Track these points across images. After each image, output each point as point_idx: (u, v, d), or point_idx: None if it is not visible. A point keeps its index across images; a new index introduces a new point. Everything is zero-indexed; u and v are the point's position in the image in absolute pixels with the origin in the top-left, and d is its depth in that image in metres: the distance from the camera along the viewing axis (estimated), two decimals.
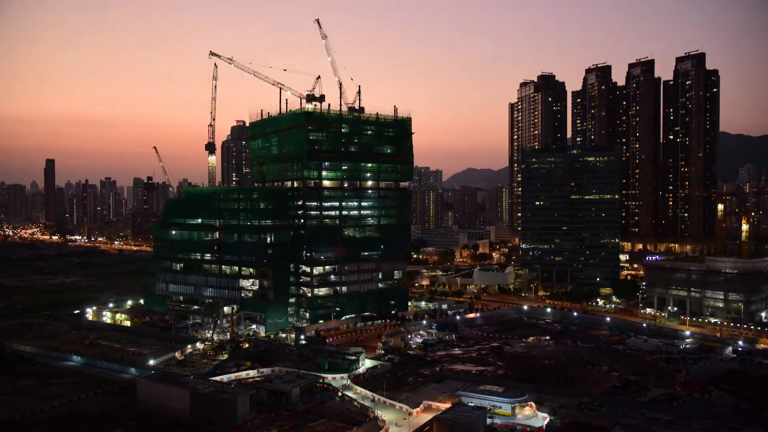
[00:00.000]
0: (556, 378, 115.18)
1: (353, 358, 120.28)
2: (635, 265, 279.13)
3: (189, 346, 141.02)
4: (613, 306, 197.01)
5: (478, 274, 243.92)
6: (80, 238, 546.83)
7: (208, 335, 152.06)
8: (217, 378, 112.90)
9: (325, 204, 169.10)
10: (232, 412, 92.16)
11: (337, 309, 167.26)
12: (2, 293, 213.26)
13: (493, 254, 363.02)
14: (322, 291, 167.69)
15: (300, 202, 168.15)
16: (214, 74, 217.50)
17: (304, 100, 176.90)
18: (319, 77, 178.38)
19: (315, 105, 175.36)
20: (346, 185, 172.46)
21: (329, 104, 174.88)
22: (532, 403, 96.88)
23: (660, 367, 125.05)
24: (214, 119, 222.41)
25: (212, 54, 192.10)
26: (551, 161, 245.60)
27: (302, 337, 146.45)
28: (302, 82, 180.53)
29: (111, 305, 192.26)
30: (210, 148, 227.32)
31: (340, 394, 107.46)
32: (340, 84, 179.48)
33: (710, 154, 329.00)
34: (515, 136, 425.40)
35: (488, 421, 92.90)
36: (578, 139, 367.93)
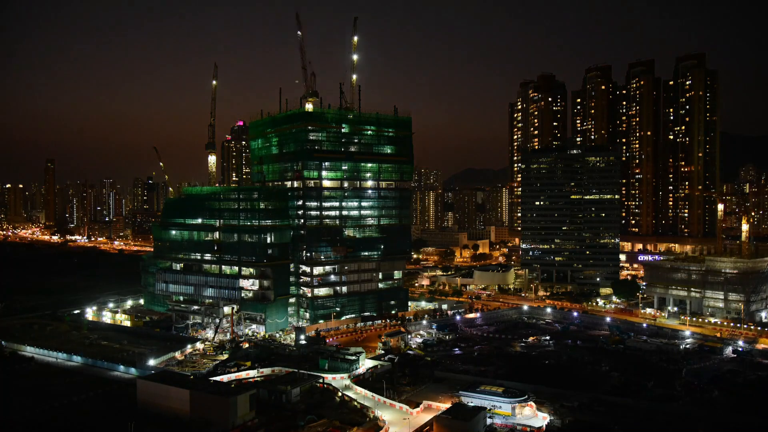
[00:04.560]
0: (556, 378, 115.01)
1: (353, 358, 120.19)
2: (635, 265, 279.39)
3: (189, 346, 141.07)
4: (613, 306, 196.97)
5: (478, 274, 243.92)
6: (80, 238, 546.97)
7: (209, 335, 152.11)
8: (217, 378, 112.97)
9: (325, 204, 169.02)
10: (232, 412, 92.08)
11: (337, 309, 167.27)
12: (2, 293, 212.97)
13: (493, 254, 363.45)
14: (322, 291, 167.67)
15: (300, 202, 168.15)
16: (214, 74, 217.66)
17: (304, 100, 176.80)
18: (313, 74, 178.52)
19: (312, 101, 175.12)
20: (346, 185, 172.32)
21: (329, 104, 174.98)
22: (532, 403, 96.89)
23: (660, 367, 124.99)
24: (214, 119, 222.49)
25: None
26: (551, 161, 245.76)
27: (302, 337, 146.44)
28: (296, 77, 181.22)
29: (111, 305, 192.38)
30: (210, 147, 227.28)
31: (340, 394, 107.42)
32: (341, 84, 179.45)
33: (710, 154, 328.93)
34: (515, 136, 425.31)
35: (488, 421, 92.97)
36: (578, 139, 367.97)
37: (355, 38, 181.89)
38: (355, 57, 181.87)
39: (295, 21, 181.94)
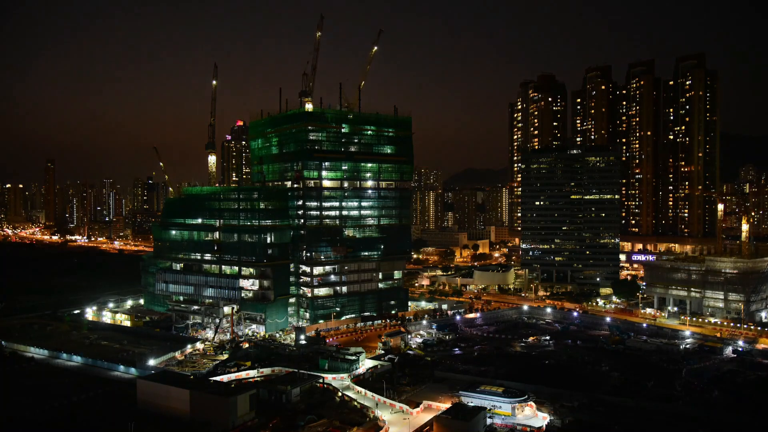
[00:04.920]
0: (556, 378, 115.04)
1: (353, 358, 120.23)
2: (635, 265, 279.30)
3: (189, 346, 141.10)
4: (613, 306, 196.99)
5: (478, 274, 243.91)
6: (80, 238, 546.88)
7: (209, 335, 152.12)
8: (217, 378, 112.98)
9: (325, 204, 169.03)
10: (232, 412, 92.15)
11: (337, 309, 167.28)
12: (2, 293, 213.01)
13: (493, 254, 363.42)
14: (322, 291, 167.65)
15: (300, 202, 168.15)
16: (214, 74, 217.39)
17: (303, 99, 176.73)
18: (305, 74, 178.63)
19: (309, 100, 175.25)
20: (346, 185, 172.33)
21: (329, 104, 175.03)
22: (532, 403, 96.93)
23: (660, 367, 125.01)
24: (214, 119, 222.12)
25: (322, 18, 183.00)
26: (551, 161, 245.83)
27: (302, 337, 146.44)
28: (299, 80, 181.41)
29: (111, 305, 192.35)
30: (210, 147, 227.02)
31: (340, 394, 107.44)
32: (341, 84, 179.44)
33: (710, 154, 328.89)
34: (515, 136, 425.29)
35: (488, 421, 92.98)
36: (578, 139, 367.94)
37: (375, 48, 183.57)
38: (368, 67, 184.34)
39: (317, 22, 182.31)
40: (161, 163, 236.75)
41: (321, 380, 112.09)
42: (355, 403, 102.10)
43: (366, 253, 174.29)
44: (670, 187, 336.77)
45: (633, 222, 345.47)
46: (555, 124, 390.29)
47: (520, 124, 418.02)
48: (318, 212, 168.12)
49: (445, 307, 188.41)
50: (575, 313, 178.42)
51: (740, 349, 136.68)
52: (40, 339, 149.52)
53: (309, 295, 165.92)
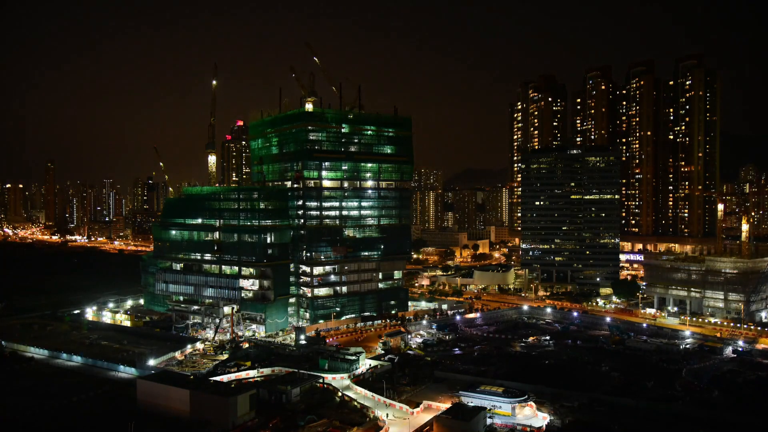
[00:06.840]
0: (556, 378, 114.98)
1: (353, 358, 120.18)
2: (635, 265, 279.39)
3: (189, 346, 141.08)
4: (613, 306, 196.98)
5: (478, 274, 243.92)
6: (80, 238, 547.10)
7: (209, 335, 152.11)
8: (217, 378, 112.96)
9: (325, 204, 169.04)
10: (232, 412, 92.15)
11: (337, 309, 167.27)
12: (2, 293, 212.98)
13: (493, 254, 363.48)
14: (322, 291, 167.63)
15: (300, 202, 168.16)
16: (214, 74, 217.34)
17: (304, 100, 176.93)
18: (312, 74, 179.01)
19: (314, 100, 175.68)
20: (346, 185, 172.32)
21: (329, 104, 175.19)
22: (532, 403, 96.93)
23: (660, 367, 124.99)
24: (214, 119, 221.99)
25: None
26: (551, 161, 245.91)
27: (302, 337, 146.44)
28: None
29: (111, 305, 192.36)
30: (210, 147, 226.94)
31: (340, 394, 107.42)
32: (341, 85, 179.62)
33: (710, 154, 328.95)
34: (515, 136, 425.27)
35: (488, 421, 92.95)
36: (578, 139, 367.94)
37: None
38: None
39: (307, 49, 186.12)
40: (161, 163, 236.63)
41: (321, 380, 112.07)
42: (355, 403, 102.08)
43: (366, 253, 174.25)
44: (670, 187, 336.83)
45: (633, 222, 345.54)
46: (555, 124, 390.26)
47: (520, 124, 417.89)
48: (318, 212, 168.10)
49: (445, 307, 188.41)
50: (575, 313, 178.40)
51: (740, 349, 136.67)
52: (40, 339, 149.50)
53: (309, 295, 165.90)
